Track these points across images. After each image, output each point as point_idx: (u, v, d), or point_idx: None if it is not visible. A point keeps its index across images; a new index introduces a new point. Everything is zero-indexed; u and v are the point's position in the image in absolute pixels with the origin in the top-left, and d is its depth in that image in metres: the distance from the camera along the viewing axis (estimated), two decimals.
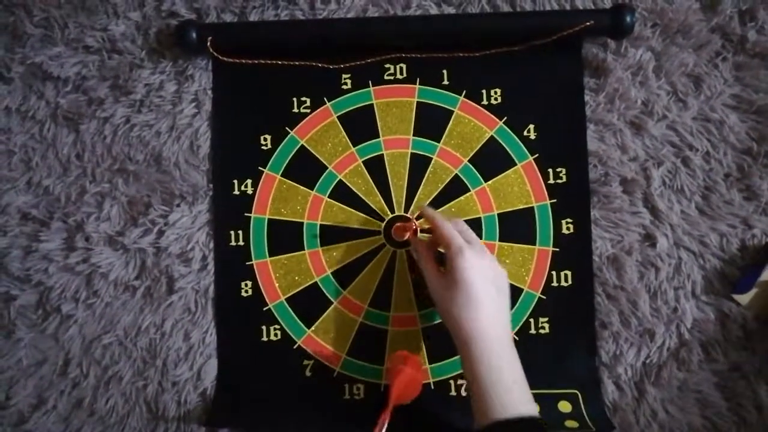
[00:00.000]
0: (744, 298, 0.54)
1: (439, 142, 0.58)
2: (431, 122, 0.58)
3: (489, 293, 0.46)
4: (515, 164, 0.57)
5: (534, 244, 0.56)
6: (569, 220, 0.56)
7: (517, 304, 0.56)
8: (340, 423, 0.55)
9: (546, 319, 0.56)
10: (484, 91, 0.57)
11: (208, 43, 0.56)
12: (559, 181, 0.56)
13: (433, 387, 0.55)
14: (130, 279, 0.57)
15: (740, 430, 0.53)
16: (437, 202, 0.57)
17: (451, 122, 0.58)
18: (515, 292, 0.56)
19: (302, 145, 0.58)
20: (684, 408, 0.54)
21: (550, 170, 0.56)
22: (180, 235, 0.58)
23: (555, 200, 0.56)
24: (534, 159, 0.57)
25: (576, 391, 0.54)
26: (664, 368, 0.54)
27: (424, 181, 0.57)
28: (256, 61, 0.57)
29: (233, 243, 0.57)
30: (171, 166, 0.58)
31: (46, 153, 0.59)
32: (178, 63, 0.59)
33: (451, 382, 0.55)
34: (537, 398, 0.53)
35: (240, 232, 0.58)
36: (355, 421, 0.54)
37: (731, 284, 0.55)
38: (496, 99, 0.57)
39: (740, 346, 0.54)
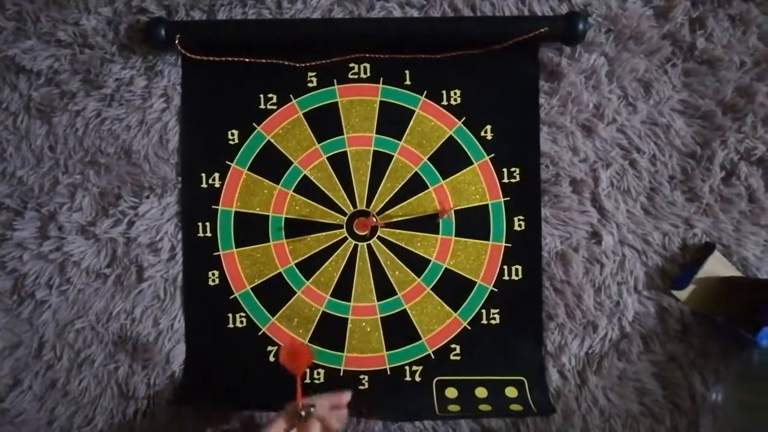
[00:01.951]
0: (682, 294, 0.58)
1: (400, 140, 0.60)
2: (393, 121, 0.59)
3: None
4: (472, 163, 0.59)
5: (488, 239, 0.59)
6: (521, 217, 0.59)
7: (471, 296, 0.59)
8: None
9: (497, 311, 0.59)
10: (444, 92, 0.59)
11: (177, 41, 0.57)
12: (512, 180, 0.59)
13: (389, 372, 0.59)
14: (102, 267, 0.60)
15: (674, 416, 0.57)
16: (397, 198, 0.59)
17: (412, 121, 0.60)
18: (469, 285, 0.59)
19: (268, 141, 0.60)
20: (623, 395, 0.58)
21: (505, 170, 0.59)
22: (149, 225, 0.60)
23: (508, 198, 0.59)
24: (490, 158, 0.59)
25: (522, 378, 0.58)
26: (606, 358, 0.58)
27: (385, 177, 0.60)
28: (223, 59, 0.59)
29: (201, 234, 0.60)
30: (141, 159, 0.60)
31: (20, 144, 0.61)
32: (148, 59, 0.60)
33: (406, 368, 0.59)
34: (485, 384, 0.58)
35: (207, 223, 0.60)
36: None
37: (672, 280, 0.58)
38: (455, 100, 0.59)
39: (677, 339, 0.58)
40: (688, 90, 0.58)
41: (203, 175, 0.60)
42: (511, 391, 0.58)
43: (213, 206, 0.60)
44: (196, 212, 0.60)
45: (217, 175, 0.60)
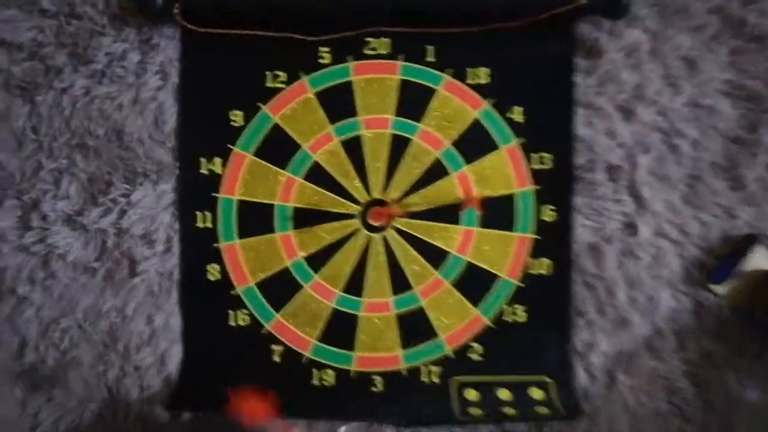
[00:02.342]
0: (720, 288, 0.54)
1: (420, 122, 0.55)
2: (413, 101, 0.55)
3: None
4: (499, 148, 0.55)
5: (514, 230, 0.55)
6: (551, 207, 0.54)
7: (494, 291, 0.55)
8: (309, 410, 0.54)
9: (522, 307, 0.55)
10: (470, 70, 0.54)
11: (175, 11, 0.52)
12: (543, 166, 0.54)
13: (404, 373, 0.54)
14: (90, 260, 0.55)
15: (707, 413, 0.54)
16: (416, 186, 0.55)
17: (434, 102, 0.55)
18: (492, 279, 0.55)
19: (275, 123, 0.55)
20: (652, 394, 0.54)
21: (535, 155, 0.54)
22: (143, 215, 0.55)
23: (538, 186, 0.54)
24: (519, 143, 0.54)
25: (548, 379, 0.54)
26: (636, 357, 0.54)
27: (403, 163, 0.55)
28: (227, 31, 0.53)
29: (200, 224, 0.55)
30: (134, 142, 0.55)
31: None
32: (143, 31, 0.55)
33: (423, 368, 0.54)
34: (509, 385, 0.54)
35: (207, 213, 0.55)
36: (324, 408, 0.54)
37: (709, 274, 0.54)
38: (482, 78, 0.54)
39: (713, 336, 0.54)
40: (735, 69, 0.53)
41: (203, 159, 0.55)
42: (535, 392, 0.54)
43: (213, 194, 0.55)
44: (194, 200, 0.55)
45: (218, 160, 0.55)
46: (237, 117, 0.55)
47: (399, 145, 0.55)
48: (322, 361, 0.54)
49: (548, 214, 0.54)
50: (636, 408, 0.54)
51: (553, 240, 0.54)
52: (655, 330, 0.54)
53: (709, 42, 0.54)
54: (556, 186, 0.54)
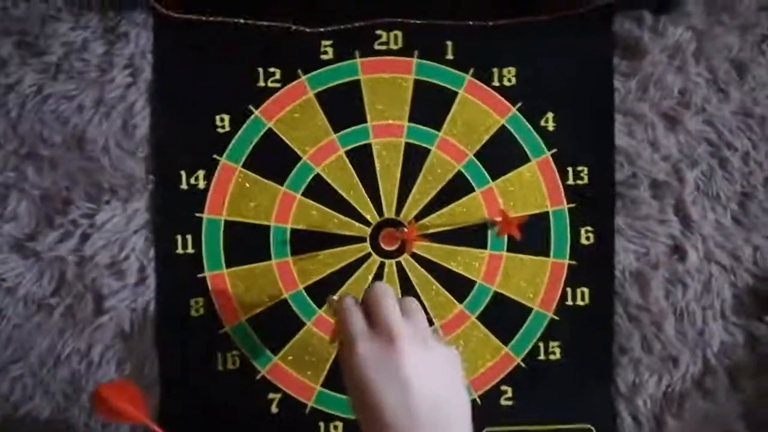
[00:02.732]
0: None
1: (439, 130, 0.48)
2: (431, 106, 0.48)
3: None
4: (529, 160, 0.48)
5: (548, 255, 0.48)
6: (589, 228, 0.48)
7: (526, 326, 0.48)
8: None
9: (557, 343, 0.48)
10: (495, 70, 0.48)
11: None
12: (579, 182, 0.48)
13: None
14: (46, 295, 0.46)
15: None
16: (435, 204, 0.48)
17: (454, 106, 0.48)
18: (524, 312, 0.48)
19: (270, 129, 0.48)
20: None
21: (570, 169, 0.48)
22: (110, 240, 0.46)
23: (574, 204, 0.48)
24: (551, 155, 0.48)
25: (590, 426, 0.48)
26: (687, 398, 0.48)
27: (420, 177, 0.48)
28: (211, 19, 0.46)
29: (180, 250, 0.47)
30: (98, 151, 0.47)
31: None
32: (108, 16, 0.47)
33: None
34: None
35: (189, 236, 0.47)
36: None
37: (764, 304, 0.49)
38: (509, 80, 0.48)
39: None
40: None
41: (183, 173, 0.47)
42: None
43: (196, 214, 0.47)
44: (173, 222, 0.47)
45: (201, 173, 0.47)
46: (223, 122, 0.47)
47: (415, 157, 0.48)
48: (329, 411, 0.47)
49: (586, 236, 0.48)
50: None
51: (592, 266, 0.48)
52: (707, 367, 0.48)
53: (759, 42, 0.49)
54: (595, 204, 0.48)
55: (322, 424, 0.47)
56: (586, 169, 0.48)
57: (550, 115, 0.48)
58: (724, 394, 0.49)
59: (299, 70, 0.48)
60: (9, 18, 0.46)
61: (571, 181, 0.48)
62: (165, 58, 0.47)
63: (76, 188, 0.46)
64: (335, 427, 0.47)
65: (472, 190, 0.48)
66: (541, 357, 0.48)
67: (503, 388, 0.48)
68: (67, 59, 0.46)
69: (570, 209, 0.48)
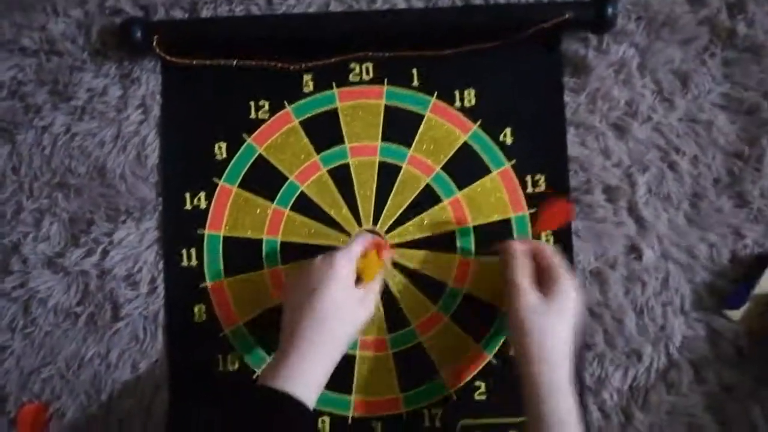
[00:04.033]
0: (736, 314, 0.51)
1: (409, 148, 0.53)
2: (401, 127, 0.53)
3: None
4: (491, 171, 0.53)
5: None
6: (548, 232, 0.52)
7: (495, 325, 0.52)
8: None
9: None
10: (457, 93, 0.53)
11: (154, 43, 0.51)
12: (537, 189, 0.52)
13: (405, 418, 0.51)
14: (72, 305, 0.52)
15: None
16: (408, 214, 0.53)
17: (422, 127, 0.53)
18: (493, 312, 0.52)
19: (260, 154, 0.53)
20: None
21: (529, 178, 0.52)
22: (126, 255, 0.53)
23: (534, 210, 0.52)
24: (511, 165, 0.52)
25: None
26: (653, 391, 0.50)
27: (393, 191, 0.53)
28: (208, 62, 0.53)
29: (185, 263, 0.53)
30: (116, 179, 0.53)
31: None
32: (124, 65, 0.54)
33: (425, 411, 0.51)
34: (519, 427, 0.50)
35: (192, 250, 0.53)
36: None
37: (722, 299, 0.51)
38: (469, 101, 0.53)
39: (732, 366, 0.50)
40: (730, 82, 0.52)
41: (187, 195, 0.53)
42: None
43: (199, 230, 0.53)
44: (179, 238, 0.53)
45: (203, 194, 0.53)
46: (221, 149, 0.53)
47: (388, 173, 0.53)
48: (318, 407, 0.50)
49: (546, 239, 0.52)
50: None
51: None
52: (670, 361, 0.51)
53: (700, 54, 0.52)
54: None
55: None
56: (543, 177, 0.52)
57: (508, 130, 0.53)
58: (689, 387, 0.50)
59: (285, 102, 0.53)
60: (43, 70, 0.54)
61: (530, 189, 0.52)
62: (171, 97, 0.54)
63: (98, 211, 0.53)
64: (323, 422, 0.51)
65: (440, 200, 0.53)
66: (512, 353, 0.51)
67: (477, 383, 0.51)
68: (91, 102, 0.54)
69: (531, 215, 0.52)
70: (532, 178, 0.52)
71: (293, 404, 0.41)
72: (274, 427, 0.40)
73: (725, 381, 0.50)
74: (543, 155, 0.52)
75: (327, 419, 0.51)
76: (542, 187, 0.52)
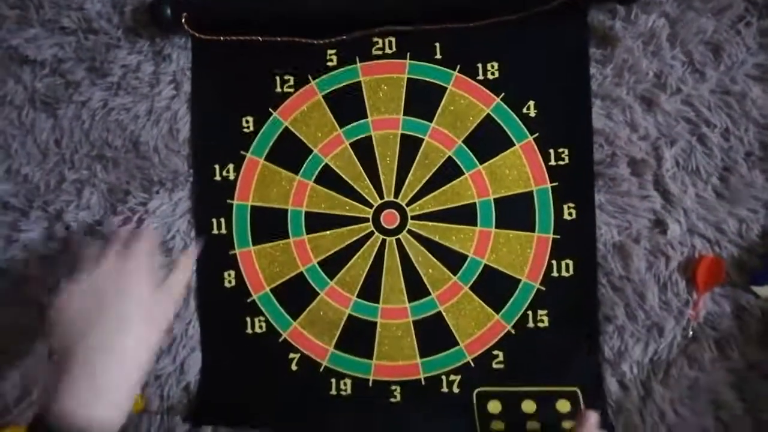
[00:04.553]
0: (764, 290, 0.50)
1: (431, 121, 0.54)
2: (423, 100, 0.54)
3: None
4: (513, 144, 0.53)
5: (533, 231, 0.52)
6: (571, 204, 0.52)
7: (515, 296, 0.52)
8: (327, 419, 0.53)
9: (545, 312, 0.52)
10: (479, 65, 0.53)
11: (183, 20, 0.53)
12: (560, 162, 0.52)
13: (423, 383, 0.53)
14: None
15: (757, 430, 0.49)
16: (430, 187, 0.54)
17: (444, 100, 0.53)
18: (513, 283, 0.52)
19: (286, 127, 0.55)
20: (695, 409, 0.50)
21: (551, 151, 0.52)
22: (160, 223, 0.55)
23: (556, 183, 0.52)
24: (534, 138, 0.52)
25: (576, 389, 0.51)
26: (674, 365, 0.50)
27: (415, 164, 0.54)
28: (235, 38, 0.54)
29: (215, 231, 0.55)
30: (150, 152, 0.56)
31: (25, 139, 0.57)
32: (156, 42, 0.56)
33: (443, 378, 0.52)
34: (534, 396, 0.51)
35: (222, 219, 0.55)
36: (341, 418, 0.52)
37: (750, 275, 0.50)
38: (492, 73, 0.53)
39: (758, 343, 0.50)
40: (766, 52, 0.50)
41: (216, 166, 0.55)
42: (563, 405, 0.51)
43: (228, 200, 0.55)
44: (209, 208, 0.55)
45: (231, 166, 0.55)
46: (248, 123, 0.55)
47: (410, 146, 0.54)
48: (340, 369, 0.53)
49: (568, 212, 0.52)
50: (676, 423, 0.50)
51: (575, 240, 0.51)
52: (693, 337, 0.50)
53: (734, 24, 0.50)
54: (576, 183, 0.51)
55: (333, 381, 0.53)
56: (566, 150, 0.52)
57: (531, 102, 0.52)
58: (712, 363, 0.50)
59: (309, 76, 0.54)
60: (81, 48, 0.57)
61: (553, 162, 0.52)
62: (201, 73, 0.55)
63: (134, 182, 0.56)
64: (344, 384, 0.53)
65: (462, 173, 0.53)
66: (530, 325, 0.52)
67: (495, 352, 0.52)
68: (125, 78, 0.56)
69: (553, 187, 0.52)
70: (555, 150, 0.52)
71: None
72: None
73: (749, 358, 0.50)
74: (567, 128, 0.52)
75: (349, 381, 0.53)
76: (566, 160, 0.52)
